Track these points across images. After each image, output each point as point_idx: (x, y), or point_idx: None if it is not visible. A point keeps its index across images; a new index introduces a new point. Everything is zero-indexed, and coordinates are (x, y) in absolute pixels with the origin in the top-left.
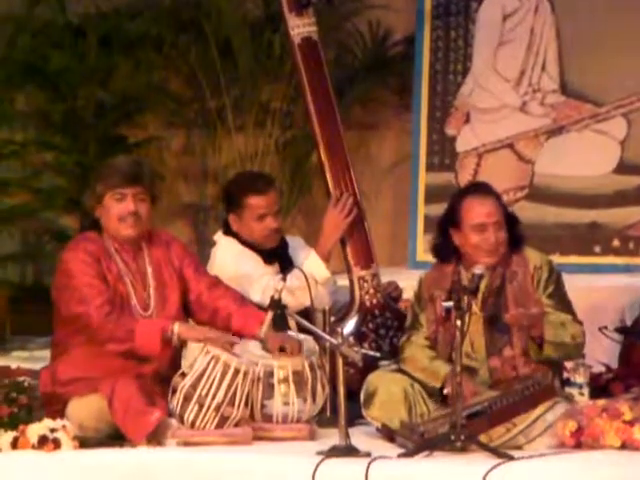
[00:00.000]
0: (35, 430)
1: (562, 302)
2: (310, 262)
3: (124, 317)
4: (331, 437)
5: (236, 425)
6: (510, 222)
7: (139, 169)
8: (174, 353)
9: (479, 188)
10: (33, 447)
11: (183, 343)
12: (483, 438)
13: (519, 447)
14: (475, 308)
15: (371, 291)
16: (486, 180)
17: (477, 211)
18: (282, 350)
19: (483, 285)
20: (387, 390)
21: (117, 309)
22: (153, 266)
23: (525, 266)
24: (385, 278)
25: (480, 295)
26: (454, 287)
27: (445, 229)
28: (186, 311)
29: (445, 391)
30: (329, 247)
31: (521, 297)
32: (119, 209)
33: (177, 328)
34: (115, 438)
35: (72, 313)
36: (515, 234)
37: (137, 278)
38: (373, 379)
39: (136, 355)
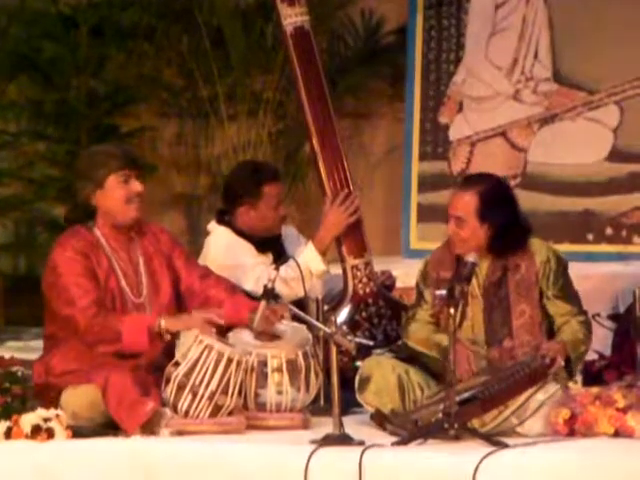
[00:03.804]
0: (28, 420)
1: (570, 295)
2: (307, 254)
3: (111, 317)
4: (325, 426)
5: (229, 414)
6: (497, 220)
7: (134, 152)
8: (168, 343)
9: (467, 180)
10: (26, 437)
11: (176, 333)
12: (476, 422)
13: (512, 428)
14: (477, 291)
15: (364, 280)
16: (479, 168)
17: (450, 202)
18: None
19: (483, 273)
20: (382, 375)
21: (105, 308)
22: (144, 256)
23: (530, 259)
24: (379, 267)
25: (481, 281)
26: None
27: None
28: (178, 300)
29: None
30: (327, 242)
31: (523, 290)
32: (126, 190)
33: (164, 323)
34: (109, 427)
35: (60, 314)
36: (511, 235)
37: (129, 267)
38: (368, 364)
39: (127, 353)
